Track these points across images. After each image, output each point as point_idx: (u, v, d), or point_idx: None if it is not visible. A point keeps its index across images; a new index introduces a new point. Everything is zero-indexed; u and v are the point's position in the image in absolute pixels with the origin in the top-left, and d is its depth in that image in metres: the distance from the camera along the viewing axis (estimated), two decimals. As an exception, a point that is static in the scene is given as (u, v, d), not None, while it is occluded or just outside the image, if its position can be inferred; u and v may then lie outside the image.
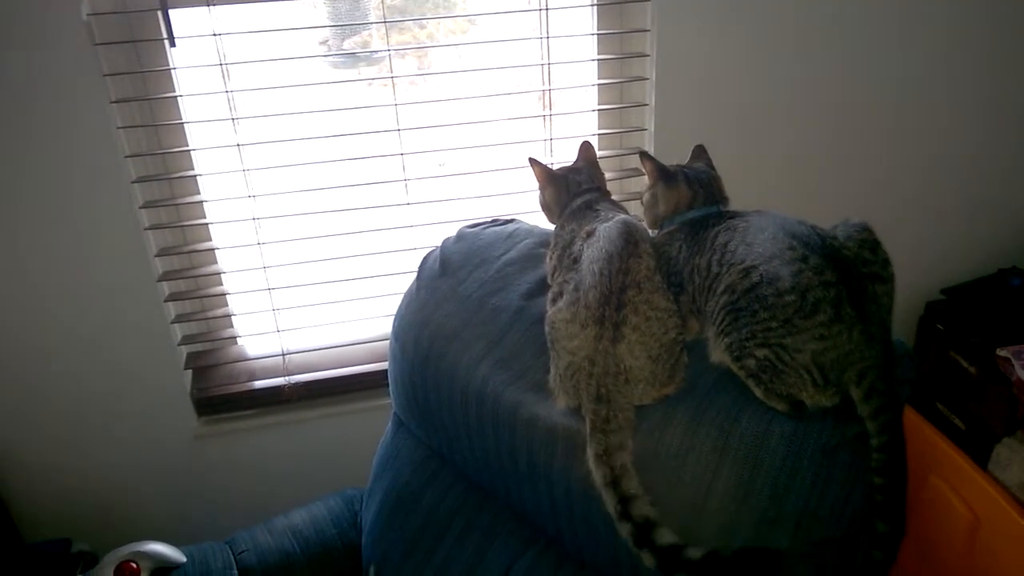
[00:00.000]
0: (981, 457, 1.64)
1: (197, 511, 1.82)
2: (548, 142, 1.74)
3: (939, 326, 1.81)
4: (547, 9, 1.62)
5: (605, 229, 1.04)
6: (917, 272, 1.82)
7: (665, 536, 0.88)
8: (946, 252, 1.95)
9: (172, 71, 1.52)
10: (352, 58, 1.74)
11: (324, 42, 1.69)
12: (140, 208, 1.56)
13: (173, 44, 1.46)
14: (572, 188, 1.20)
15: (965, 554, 1.67)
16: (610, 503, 0.92)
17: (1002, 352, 1.60)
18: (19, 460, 1.70)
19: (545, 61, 1.67)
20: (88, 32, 1.40)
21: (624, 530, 0.90)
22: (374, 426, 1.52)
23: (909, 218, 1.88)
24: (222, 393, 1.74)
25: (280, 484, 1.76)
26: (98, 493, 1.77)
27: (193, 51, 1.52)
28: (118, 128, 1.48)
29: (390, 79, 1.61)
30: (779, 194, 1.45)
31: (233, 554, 1.38)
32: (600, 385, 0.96)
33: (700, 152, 1.19)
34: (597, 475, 0.93)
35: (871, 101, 1.76)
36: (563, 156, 1.71)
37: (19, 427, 1.67)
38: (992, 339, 1.66)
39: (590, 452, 0.95)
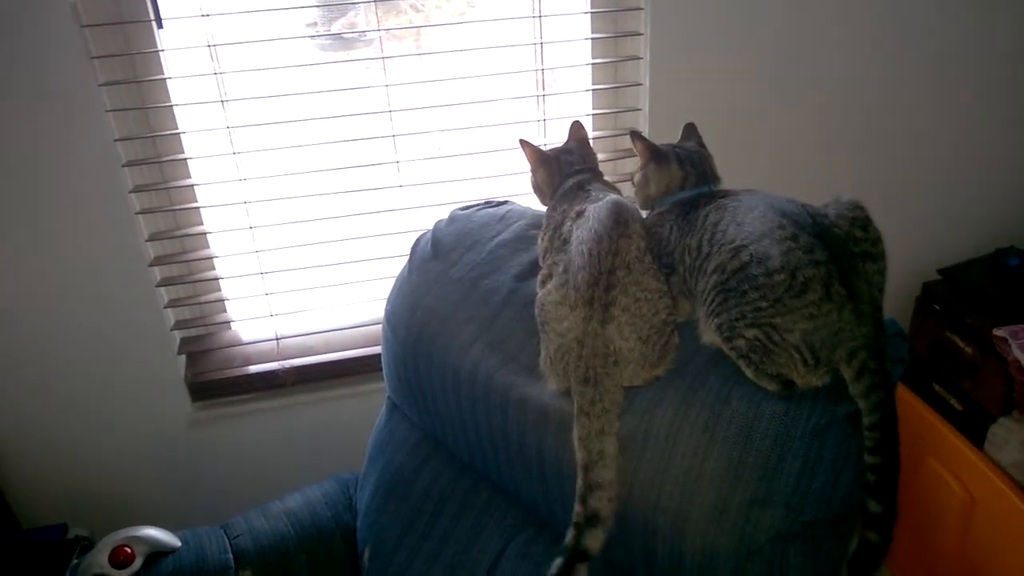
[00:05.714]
0: (977, 437, 1.63)
1: (192, 496, 1.82)
2: (542, 123, 1.72)
3: (936, 306, 1.80)
4: (541, -12, 1.60)
5: (595, 209, 1.03)
6: (913, 252, 1.82)
7: (591, 539, 0.91)
8: (943, 232, 1.94)
9: (160, 53, 1.50)
10: (342, 40, 1.72)
11: (312, 24, 1.67)
12: (131, 192, 1.54)
13: (160, 26, 1.45)
14: (564, 169, 1.19)
15: (961, 534, 1.67)
16: (578, 485, 0.94)
17: (999, 332, 1.59)
18: (16, 447, 1.70)
19: (538, 40, 1.65)
20: (75, 14, 1.38)
21: (574, 512, 0.93)
22: (368, 410, 1.51)
23: (905, 198, 1.86)
24: (216, 378, 1.73)
25: (275, 468, 1.76)
26: (94, 479, 1.77)
27: (181, 33, 1.50)
28: (107, 111, 1.47)
29: (382, 60, 1.60)
30: (772, 173, 1.45)
31: (228, 538, 1.37)
32: (588, 367, 0.95)
33: (691, 130, 1.17)
34: (577, 457, 0.94)
35: (865, 78, 1.74)
36: (557, 137, 1.69)
37: (15, 414, 1.67)
38: (989, 319, 1.65)
39: (574, 434, 0.95)
